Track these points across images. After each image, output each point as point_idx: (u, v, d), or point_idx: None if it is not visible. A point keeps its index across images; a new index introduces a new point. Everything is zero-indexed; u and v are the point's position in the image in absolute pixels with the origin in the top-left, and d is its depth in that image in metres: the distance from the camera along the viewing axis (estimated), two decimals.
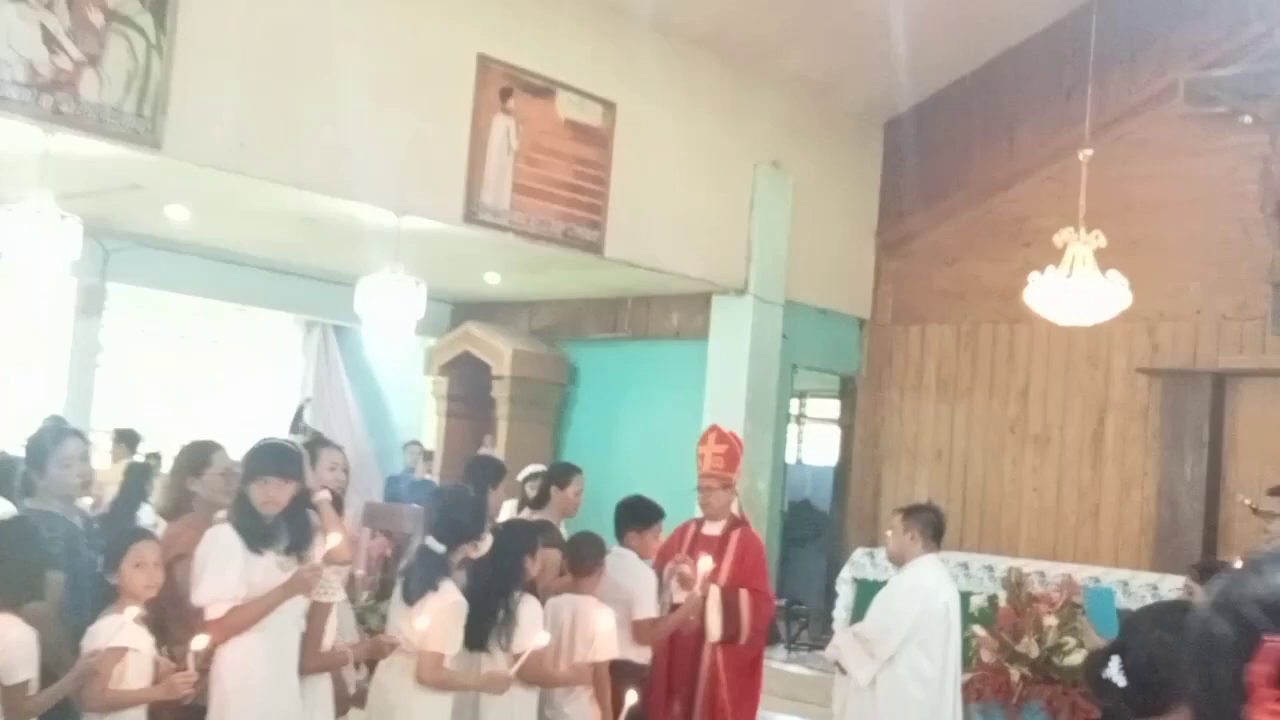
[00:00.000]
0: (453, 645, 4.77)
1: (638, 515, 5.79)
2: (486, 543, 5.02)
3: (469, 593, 4.97)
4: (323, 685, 4.67)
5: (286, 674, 4.39)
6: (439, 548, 4.81)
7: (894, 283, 11.42)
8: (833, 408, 12.33)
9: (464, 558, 4.96)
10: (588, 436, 11.75)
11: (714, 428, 6.45)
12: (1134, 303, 7.63)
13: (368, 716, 4.90)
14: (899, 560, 5.80)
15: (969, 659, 7.99)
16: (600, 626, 5.20)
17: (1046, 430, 10.41)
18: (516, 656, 4.87)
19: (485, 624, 4.88)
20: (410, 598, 4.77)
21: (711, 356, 10.40)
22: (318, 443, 5.65)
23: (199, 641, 4.03)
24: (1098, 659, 2.32)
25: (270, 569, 4.29)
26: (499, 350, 11.68)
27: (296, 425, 13.03)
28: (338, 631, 4.70)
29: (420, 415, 13.24)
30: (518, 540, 5.12)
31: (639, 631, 5.56)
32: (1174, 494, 9.66)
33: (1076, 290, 7.45)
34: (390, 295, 8.11)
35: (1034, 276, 7.53)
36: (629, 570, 5.60)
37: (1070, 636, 7.64)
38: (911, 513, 5.85)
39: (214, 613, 4.20)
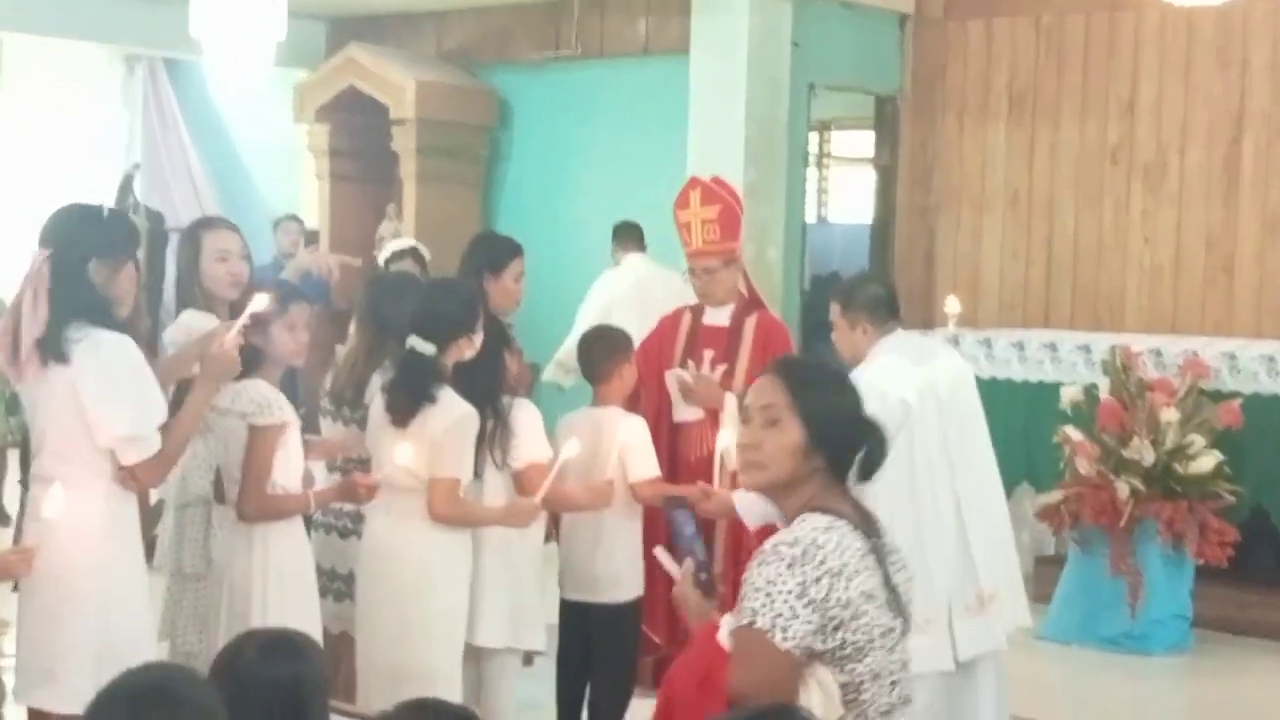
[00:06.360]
0: (467, 469, 5.06)
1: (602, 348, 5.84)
2: (479, 339, 5.22)
3: None
4: (278, 538, 4.88)
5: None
6: (428, 348, 5.02)
7: None
8: (866, 142, 12.29)
9: (458, 360, 5.17)
10: (529, 199, 11.77)
11: (695, 182, 6.38)
12: None
13: (361, 581, 5.18)
14: (858, 363, 5.55)
15: (1059, 472, 8.17)
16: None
17: (1161, 157, 10.40)
18: (517, 474, 5.26)
19: None
20: (401, 417, 4.99)
21: (694, 78, 10.29)
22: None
23: None
24: None
25: None
26: (397, 83, 11.58)
27: (124, 200, 13.00)
28: None
29: (294, 180, 13.24)
30: (489, 330, 5.32)
31: (641, 494, 5.66)
32: None
33: None
34: (237, 10, 8.01)
35: None
36: (611, 423, 5.67)
37: (1197, 434, 7.78)
38: (847, 298, 5.59)
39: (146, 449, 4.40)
